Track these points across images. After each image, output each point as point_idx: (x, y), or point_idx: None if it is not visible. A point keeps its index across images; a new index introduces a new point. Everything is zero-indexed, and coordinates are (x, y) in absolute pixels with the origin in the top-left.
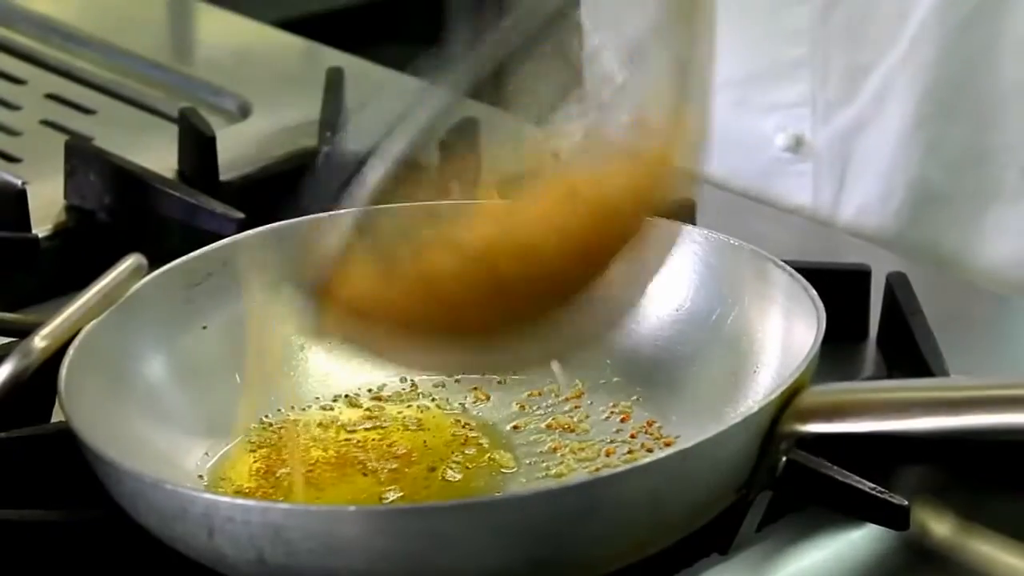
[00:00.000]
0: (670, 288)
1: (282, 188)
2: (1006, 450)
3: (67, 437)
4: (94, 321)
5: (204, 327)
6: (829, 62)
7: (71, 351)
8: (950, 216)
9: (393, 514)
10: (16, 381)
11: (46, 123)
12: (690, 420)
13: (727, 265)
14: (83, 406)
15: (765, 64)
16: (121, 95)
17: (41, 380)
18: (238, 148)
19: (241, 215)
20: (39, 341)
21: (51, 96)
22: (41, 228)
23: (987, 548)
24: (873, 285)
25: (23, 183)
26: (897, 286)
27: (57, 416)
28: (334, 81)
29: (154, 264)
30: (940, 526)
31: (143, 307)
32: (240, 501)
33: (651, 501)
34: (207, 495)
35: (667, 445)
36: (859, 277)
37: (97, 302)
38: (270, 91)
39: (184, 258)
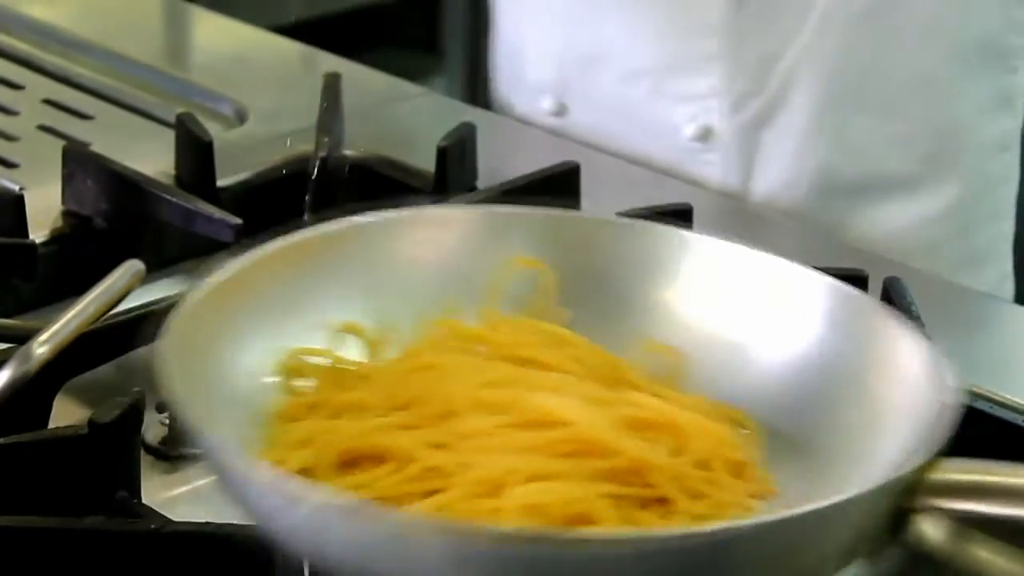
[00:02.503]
0: (789, 334)
1: (280, 193)
2: None
3: (65, 443)
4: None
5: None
6: (740, 55)
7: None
8: (855, 204)
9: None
10: (14, 387)
11: (43, 128)
12: (793, 471)
13: (850, 316)
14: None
15: (678, 56)
16: (118, 100)
17: (39, 386)
18: (235, 153)
19: (238, 220)
20: (37, 347)
21: (48, 101)
22: (38, 234)
23: None
24: (870, 290)
25: (20, 189)
26: (894, 292)
27: (55, 422)
28: (331, 86)
29: (152, 270)
30: None
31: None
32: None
33: (778, 554)
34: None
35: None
36: (856, 283)
37: (95, 308)
38: (267, 96)
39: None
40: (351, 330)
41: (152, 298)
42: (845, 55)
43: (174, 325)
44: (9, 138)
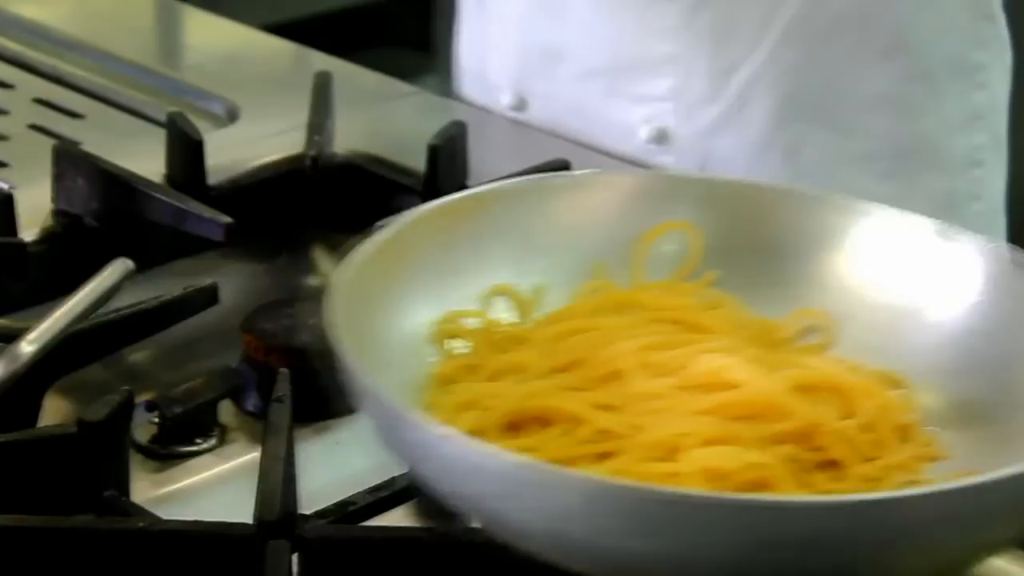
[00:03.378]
0: (952, 299)
1: (271, 192)
2: None
3: (54, 442)
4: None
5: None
6: (695, 61)
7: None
8: None
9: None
10: (3, 385)
11: (34, 127)
12: (960, 435)
13: (1016, 281)
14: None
15: (634, 58)
16: (109, 100)
17: (29, 384)
18: (226, 152)
19: (229, 219)
20: (26, 346)
21: (39, 101)
22: (29, 233)
23: None
24: None
25: (11, 188)
26: None
27: (44, 421)
28: (322, 85)
29: (143, 269)
30: None
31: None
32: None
33: (974, 520)
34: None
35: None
36: None
37: (84, 306)
38: (258, 95)
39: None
40: (504, 292)
41: (143, 297)
42: (805, 70)
43: (338, 286)
44: (0, 137)
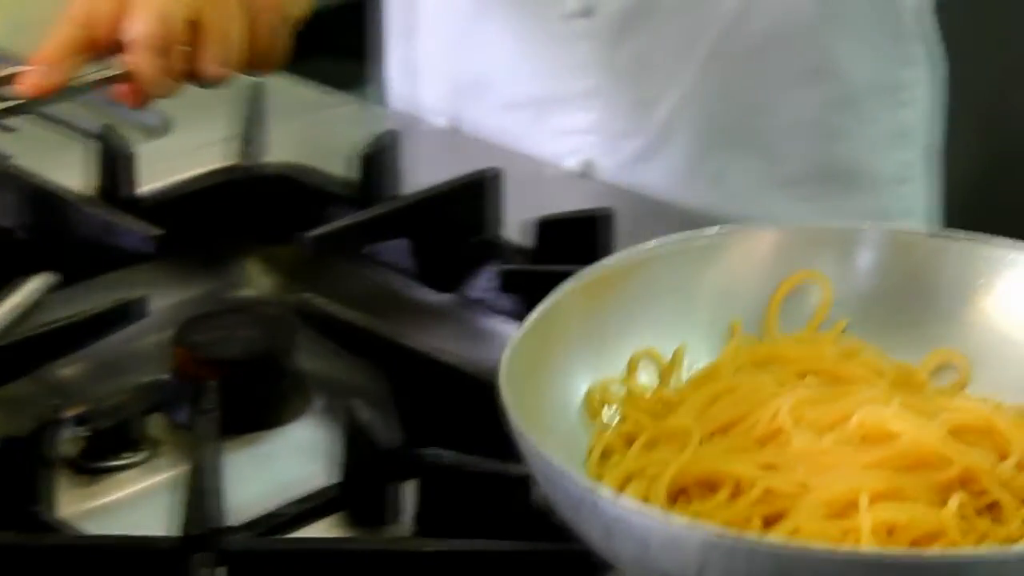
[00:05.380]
0: None
1: (202, 204)
2: None
3: None
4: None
5: None
6: (615, 95)
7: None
8: None
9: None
10: None
11: None
12: None
13: None
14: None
15: (557, 92)
16: (42, 113)
17: None
18: (158, 164)
19: (159, 231)
20: None
21: None
22: None
23: None
24: None
25: None
26: None
27: None
28: (254, 96)
29: (73, 282)
30: None
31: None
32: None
33: None
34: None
35: None
36: None
37: (5, 321)
38: (191, 107)
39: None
40: (648, 356)
41: (72, 311)
42: (726, 99)
43: (506, 366)
44: None
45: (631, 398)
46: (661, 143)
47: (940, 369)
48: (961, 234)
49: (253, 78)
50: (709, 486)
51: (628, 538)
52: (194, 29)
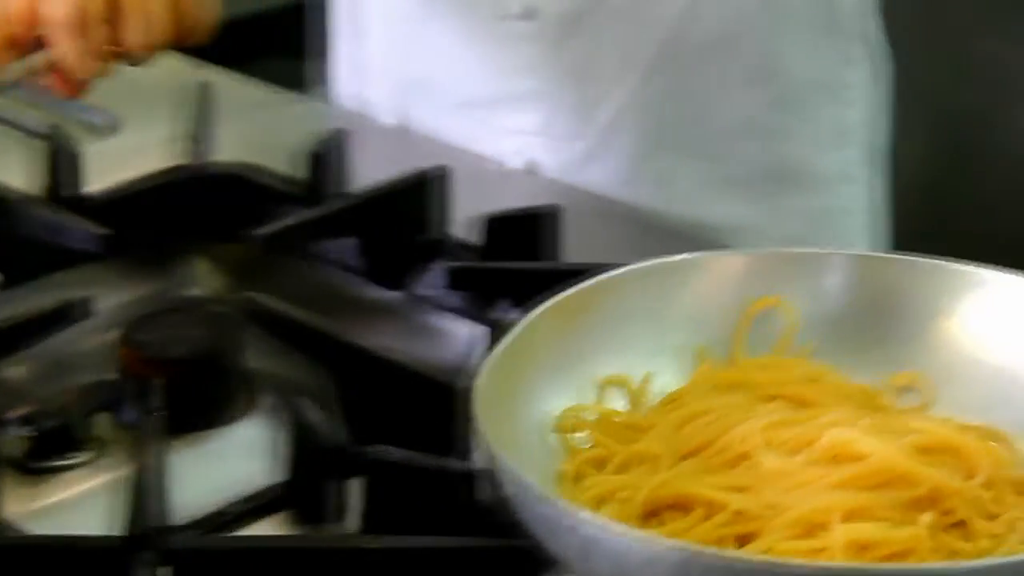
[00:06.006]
0: None
1: (150, 203)
2: None
3: None
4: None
5: None
6: (560, 97)
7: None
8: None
9: None
10: None
11: None
12: None
13: None
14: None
15: (502, 92)
16: None
17: None
18: (106, 164)
19: (106, 231)
20: None
21: None
22: None
23: None
24: None
25: None
26: None
27: None
28: (203, 95)
29: (21, 282)
30: None
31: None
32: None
33: None
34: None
35: None
36: None
37: None
38: (139, 106)
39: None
40: (616, 382)
41: (20, 311)
42: (670, 101)
43: (480, 389)
44: None
45: (601, 423)
46: (605, 145)
47: (904, 390)
48: (925, 257)
49: (198, 74)
50: (680, 508)
51: (605, 558)
52: (113, 6)
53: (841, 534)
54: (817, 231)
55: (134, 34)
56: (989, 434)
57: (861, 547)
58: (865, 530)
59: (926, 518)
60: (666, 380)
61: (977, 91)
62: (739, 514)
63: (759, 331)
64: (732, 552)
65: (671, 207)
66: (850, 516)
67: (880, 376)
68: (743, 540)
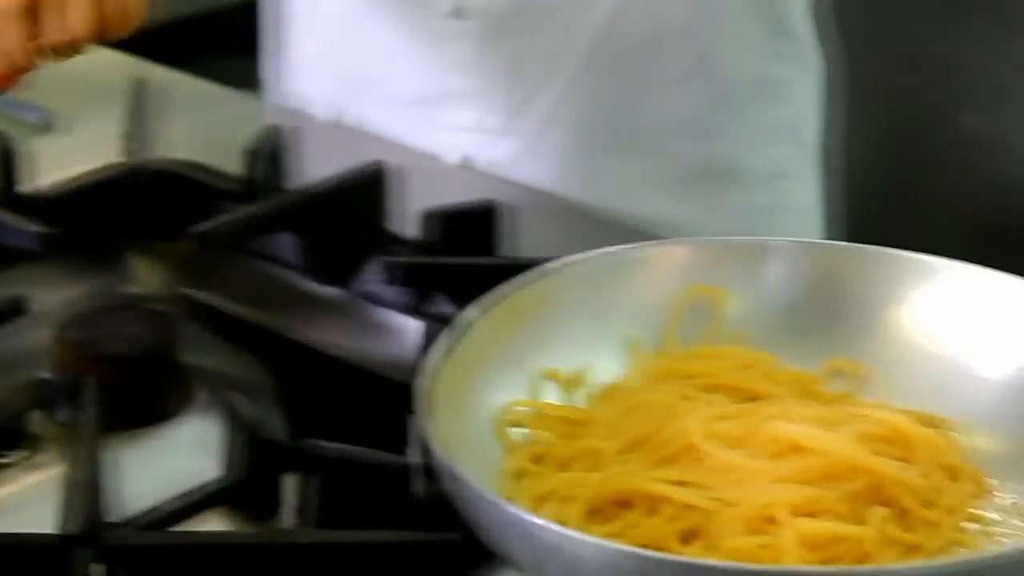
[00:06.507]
0: (1000, 346)
1: (87, 201)
2: None
3: None
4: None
5: None
6: (491, 95)
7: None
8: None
9: None
10: None
11: None
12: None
13: None
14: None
15: (437, 89)
16: None
17: None
18: (43, 162)
19: (42, 229)
20: None
21: None
22: None
23: None
24: None
25: None
26: None
27: None
28: (139, 93)
29: None
30: None
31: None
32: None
33: None
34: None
35: None
36: None
37: None
38: (77, 104)
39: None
40: (556, 376)
41: None
42: (602, 100)
43: (425, 392)
44: None
45: (539, 418)
46: (538, 142)
47: (840, 376)
48: (864, 246)
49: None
50: (623, 504)
51: (561, 563)
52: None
53: (792, 531)
54: (753, 228)
55: (55, 27)
56: (924, 420)
57: (814, 544)
58: (816, 527)
59: (877, 514)
60: (606, 372)
61: (928, 89)
62: (683, 509)
63: (700, 321)
64: (693, 557)
65: (604, 204)
66: (798, 510)
67: (817, 363)
68: (688, 536)
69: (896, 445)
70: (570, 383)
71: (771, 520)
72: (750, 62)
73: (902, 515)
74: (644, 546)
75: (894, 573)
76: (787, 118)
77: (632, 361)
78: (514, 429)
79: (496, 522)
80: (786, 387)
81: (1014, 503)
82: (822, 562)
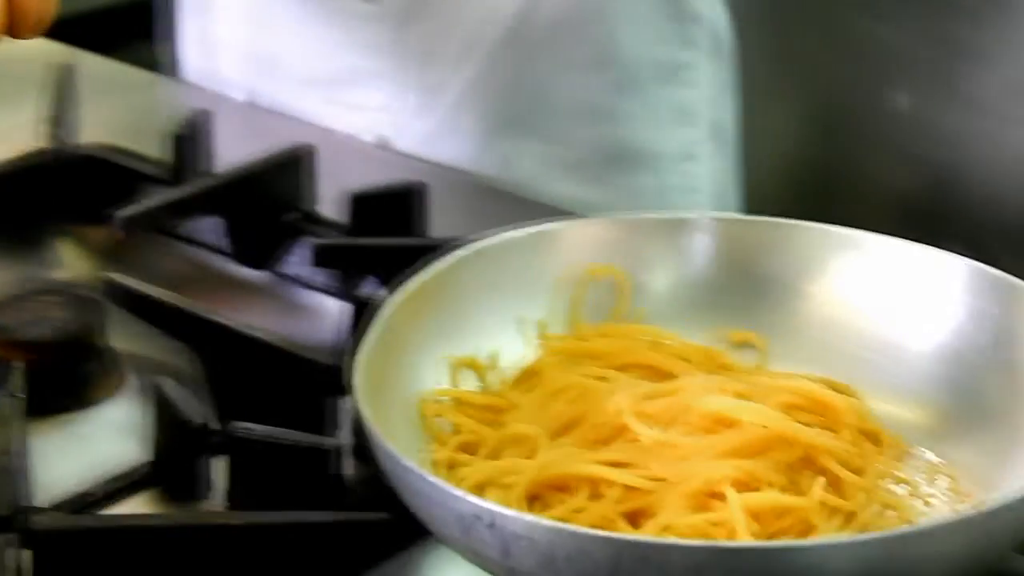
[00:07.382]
0: (939, 323)
1: (13, 187)
2: None
3: None
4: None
5: None
6: (404, 77)
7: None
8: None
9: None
10: None
11: None
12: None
13: (996, 298)
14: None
15: (347, 71)
16: None
17: None
18: None
19: None
20: None
21: None
22: None
23: None
24: None
25: None
26: None
27: None
28: (63, 78)
29: None
30: None
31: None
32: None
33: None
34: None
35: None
36: None
37: None
38: (2, 90)
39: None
40: (469, 362)
41: None
42: (513, 85)
43: (359, 388)
44: None
45: (461, 405)
46: (451, 124)
47: (745, 349)
48: (782, 219)
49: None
50: (562, 489)
51: (530, 554)
52: None
53: (738, 504)
54: (661, 210)
55: None
56: (834, 387)
57: (757, 516)
58: (761, 500)
59: (817, 484)
60: (516, 356)
61: (852, 68)
62: (626, 491)
63: (609, 300)
64: (669, 539)
65: (517, 187)
66: (739, 484)
67: (720, 336)
68: (634, 517)
69: (819, 414)
70: (484, 368)
71: (715, 496)
72: (654, 47)
73: (835, 483)
74: (591, 528)
75: (914, 533)
76: (694, 100)
77: (541, 343)
78: (438, 418)
79: (437, 501)
80: (696, 363)
81: (934, 464)
82: (770, 536)
